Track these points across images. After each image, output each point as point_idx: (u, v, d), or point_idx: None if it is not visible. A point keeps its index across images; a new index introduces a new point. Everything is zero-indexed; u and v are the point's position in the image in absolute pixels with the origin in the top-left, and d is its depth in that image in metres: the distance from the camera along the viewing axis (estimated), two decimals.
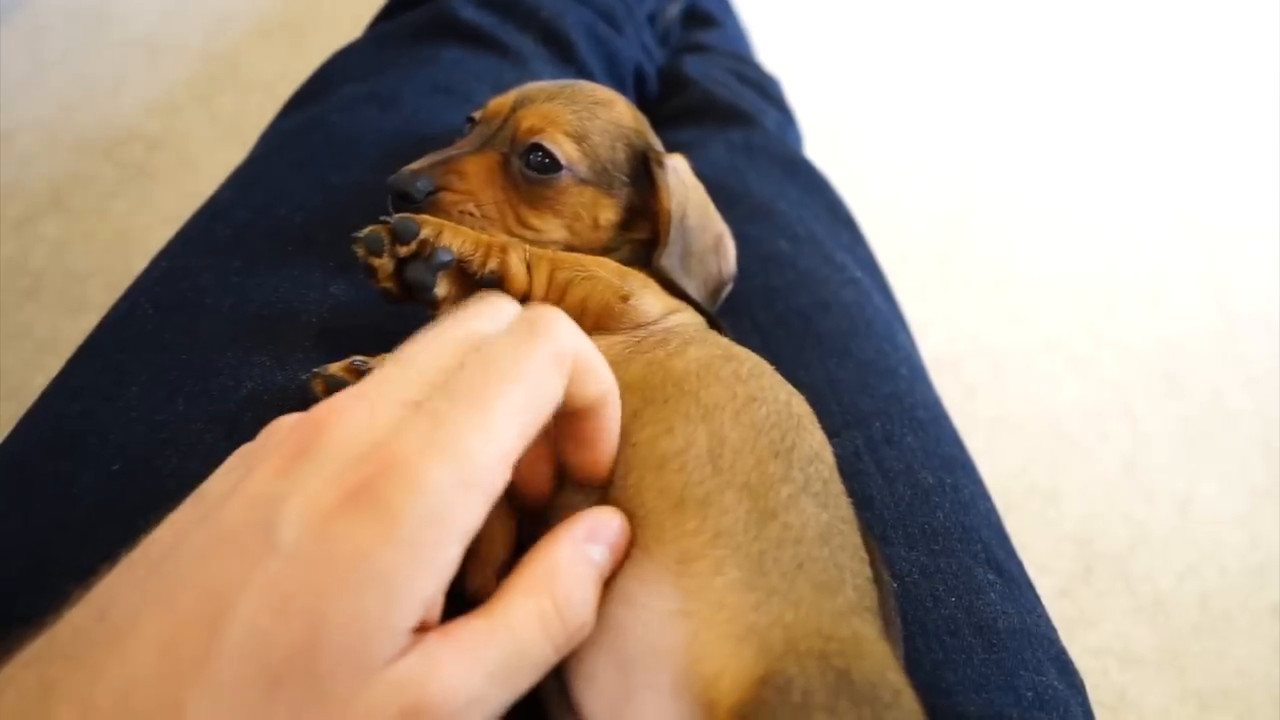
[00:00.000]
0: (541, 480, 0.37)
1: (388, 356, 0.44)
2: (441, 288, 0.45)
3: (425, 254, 0.44)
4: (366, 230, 0.44)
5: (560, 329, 0.33)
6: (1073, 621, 0.93)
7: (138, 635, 0.26)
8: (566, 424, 0.35)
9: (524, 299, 0.46)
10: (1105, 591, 0.96)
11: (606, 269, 0.47)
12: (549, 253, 0.47)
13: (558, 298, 0.46)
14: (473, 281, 0.45)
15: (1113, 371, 1.17)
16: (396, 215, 0.45)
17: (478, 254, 0.45)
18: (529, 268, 0.46)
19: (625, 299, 0.46)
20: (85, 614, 0.28)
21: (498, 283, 0.45)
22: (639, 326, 0.46)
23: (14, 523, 0.42)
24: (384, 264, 0.44)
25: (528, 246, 0.47)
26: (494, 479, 0.29)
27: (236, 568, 0.27)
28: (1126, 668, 0.90)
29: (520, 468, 0.31)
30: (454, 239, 0.45)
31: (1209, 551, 1.01)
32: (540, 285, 0.46)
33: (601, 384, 0.35)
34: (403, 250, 0.44)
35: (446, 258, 0.44)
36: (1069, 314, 1.23)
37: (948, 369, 1.13)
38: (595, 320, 0.46)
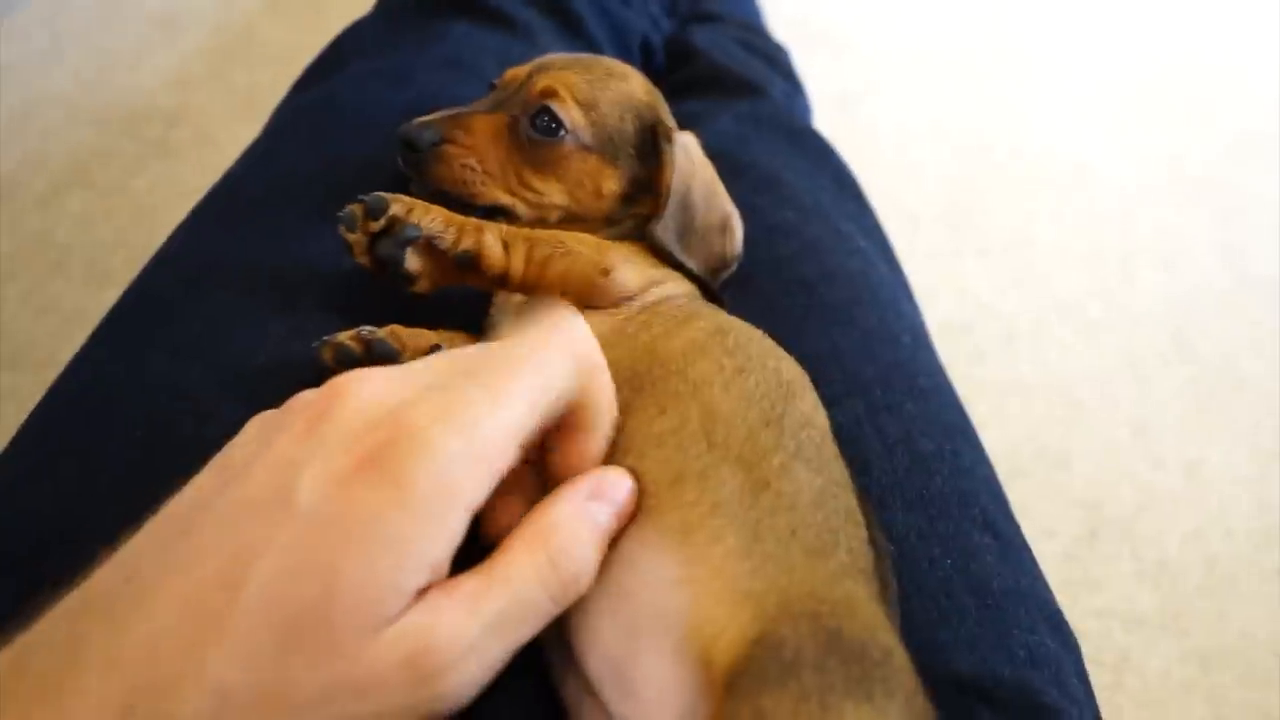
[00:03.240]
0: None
1: (395, 328, 0.46)
2: (414, 263, 0.46)
3: (394, 230, 0.45)
4: (346, 209, 0.46)
5: (579, 330, 0.35)
6: (1078, 584, 0.93)
7: (162, 594, 0.28)
8: (561, 432, 0.37)
9: (503, 277, 0.47)
10: (1111, 555, 0.96)
11: (585, 244, 0.48)
12: (525, 230, 0.48)
13: (537, 274, 0.47)
14: (448, 259, 0.46)
15: (1123, 336, 1.17)
16: (372, 194, 0.46)
17: (449, 232, 0.46)
18: (505, 246, 0.47)
19: (606, 273, 0.47)
20: (113, 574, 0.30)
21: (473, 261, 0.46)
22: (622, 300, 0.47)
23: (42, 487, 0.44)
24: (358, 239, 0.46)
25: (504, 225, 0.48)
26: (502, 455, 0.31)
27: (257, 531, 0.28)
28: (1130, 629, 0.91)
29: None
30: (424, 216, 0.46)
31: (1215, 515, 1.01)
32: (518, 263, 0.47)
33: (605, 396, 0.37)
34: (373, 226, 0.45)
35: (414, 234, 0.45)
36: (1080, 279, 1.22)
37: (958, 334, 1.13)
38: (578, 295, 0.47)
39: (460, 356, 0.34)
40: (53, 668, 0.27)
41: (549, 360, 0.33)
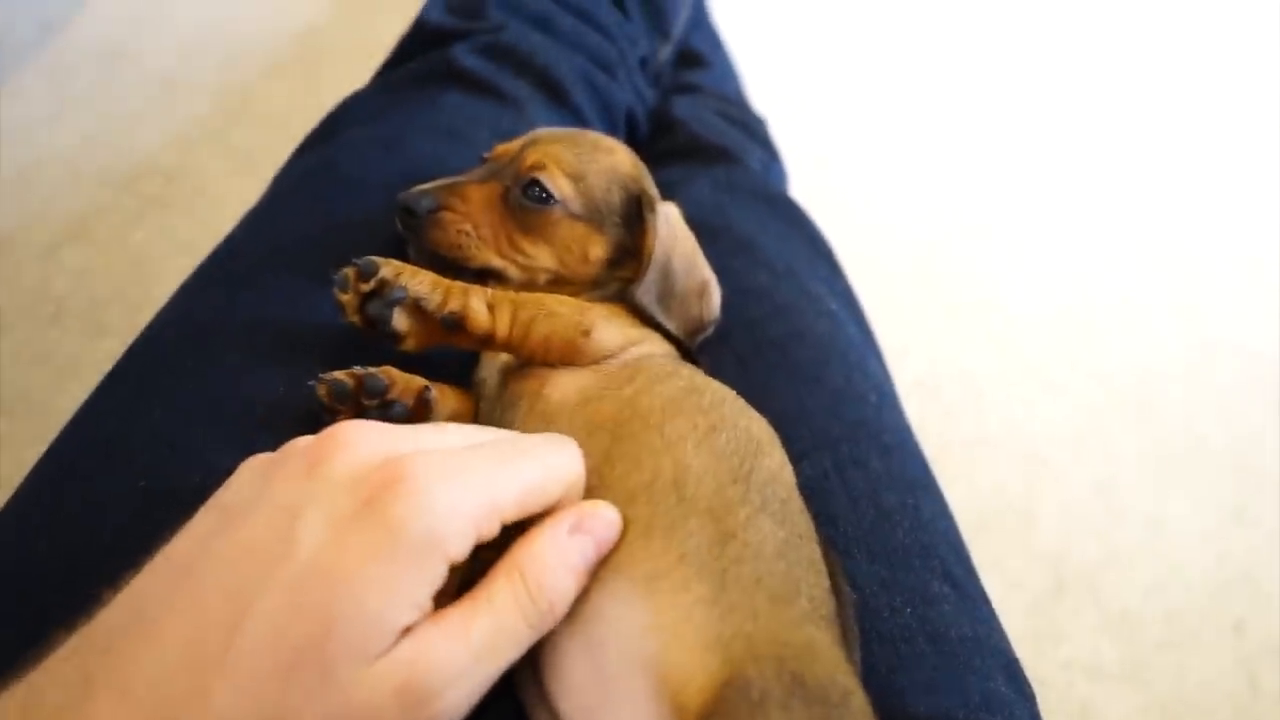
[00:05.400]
0: None
1: (388, 368, 0.48)
2: (401, 323, 0.49)
3: (383, 291, 0.48)
4: (340, 271, 0.49)
5: (577, 456, 0.38)
6: (1042, 636, 0.95)
7: (168, 631, 0.30)
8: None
9: (488, 338, 0.49)
10: (1075, 607, 0.98)
11: (567, 305, 0.50)
12: (511, 294, 0.51)
13: (522, 335, 0.49)
14: (435, 320, 0.49)
15: (1087, 395, 1.20)
16: (365, 258, 0.49)
17: (436, 294, 0.49)
18: (491, 309, 0.49)
19: (586, 333, 0.49)
20: (119, 613, 0.31)
21: (459, 322, 0.49)
22: (602, 358, 0.50)
23: (49, 535, 0.45)
24: (350, 300, 0.49)
25: (490, 290, 0.51)
26: (486, 522, 0.33)
27: (258, 571, 0.30)
28: (1093, 680, 0.93)
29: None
30: (412, 279, 0.49)
31: (1176, 569, 1.03)
32: (504, 325, 0.49)
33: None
34: (364, 287, 0.48)
35: (400, 295, 0.48)
36: (1046, 340, 1.26)
37: (928, 392, 1.16)
38: (560, 354, 0.49)
39: (472, 431, 0.37)
40: (64, 702, 0.29)
41: (549, 463, 0.36)
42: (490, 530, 0.34)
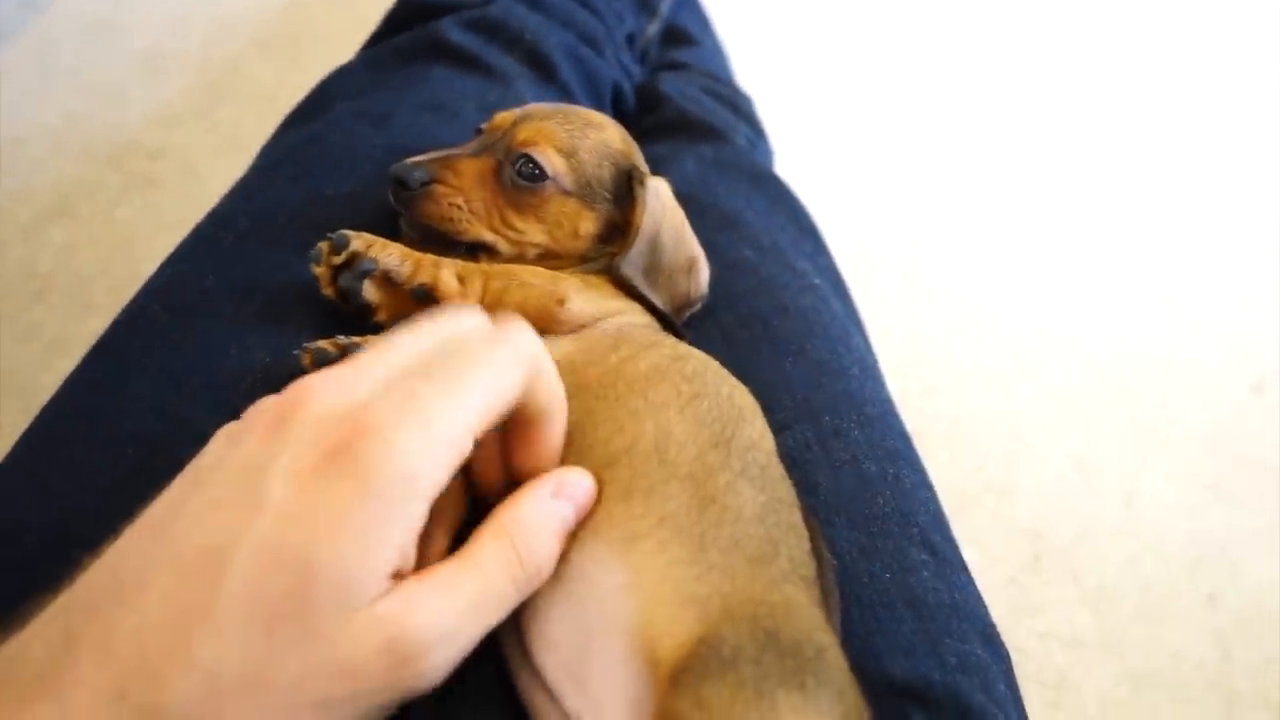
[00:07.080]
0: (493, 475, 0.41)
1: (371, 337, 0.49)
2: (372, 295, 0.50)
3: (354, 264, 0.49)
4: (315, 246, 0.50)
5: (526, 335, 0.37)
6: (1021, 608, 0.97)
7: (147, 589, 0.30)
8: (518, 429, 0.39)
9: None
10: (1052, 580, 1.00)
11: (540, 276, 0.51)
12: (482, 265, 0.52)
13: (494, 304, 0.49)
14: (406, 293, 0.50)
15: (1066, 374, 1.21)
16: (338, 232, 0.50)
17: (405, 266, 0.50)
18: (462, 280, 0.50)
19: (561, 302, 0.50)
20: (99, 574, 0.32)
21: (429, 293, 0.50)
22: (580, 327, 0.50)
23: (34, 502, 0.46)
24: (323, 272, 0.50)
25: (461, 261, 0.51)
26: (457, 446, 0.33)
27: (231, 526, 0.31)
28: (1069, 650, 0.94)
29: (477, 461, 0.35)
30: (381, 252, 0.50)
31: (1151, 543, 1.05)
32: (474, 295, 0.50)
33: (553, 392, 0.39)
34: (336, 260, 0.50)
35: (369, 267, 0.49)
36: (1026, 321, 1.27)
37: (911, 370, 1.17)
38: (536, 323, 0.48)
39: (415, 353, 0.36)
40: (48, 660, 0.29)
41: (498, 360, 0.36)
42: (465, 453, 0.34)
